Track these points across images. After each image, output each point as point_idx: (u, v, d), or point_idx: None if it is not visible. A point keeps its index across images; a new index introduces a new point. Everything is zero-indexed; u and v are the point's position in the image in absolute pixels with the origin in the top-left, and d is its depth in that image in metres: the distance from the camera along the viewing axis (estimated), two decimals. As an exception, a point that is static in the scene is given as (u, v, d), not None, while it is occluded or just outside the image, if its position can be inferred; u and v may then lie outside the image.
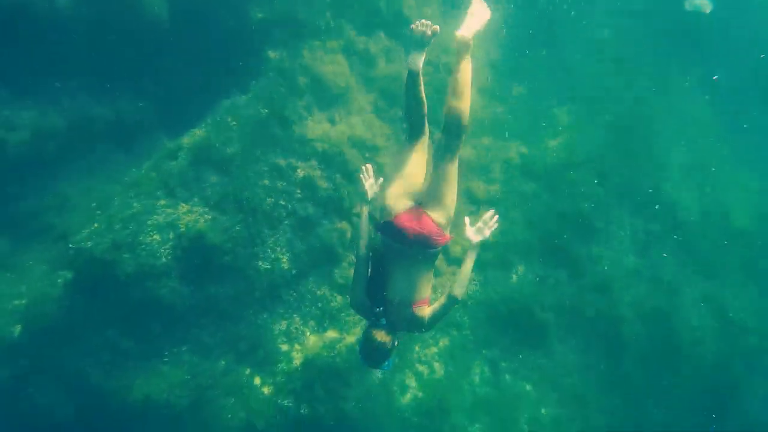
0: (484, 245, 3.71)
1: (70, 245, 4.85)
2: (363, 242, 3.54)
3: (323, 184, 5.47)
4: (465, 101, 3.50)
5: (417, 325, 3.50)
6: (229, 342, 5.35)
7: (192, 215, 5.05)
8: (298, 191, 5.37)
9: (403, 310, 3.46)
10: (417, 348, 5.73)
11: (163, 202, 5.10)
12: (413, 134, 3.61)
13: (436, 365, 5.78)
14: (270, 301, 5.38)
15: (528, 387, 6.13)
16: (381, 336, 3.37)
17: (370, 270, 3.56)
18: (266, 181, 5.27)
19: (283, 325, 5.42)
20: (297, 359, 5.34)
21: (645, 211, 6.98)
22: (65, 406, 5.06)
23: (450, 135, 3.51)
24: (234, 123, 5.46)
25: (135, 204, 5.04)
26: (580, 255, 6.37)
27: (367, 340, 3.41)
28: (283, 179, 5.36)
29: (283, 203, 5.26)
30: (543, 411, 6.14)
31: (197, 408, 5.29)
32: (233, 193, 5.10)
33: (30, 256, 5.26)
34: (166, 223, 4.97)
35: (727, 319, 6.79)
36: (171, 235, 4.97)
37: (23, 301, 5.03)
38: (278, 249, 5.27)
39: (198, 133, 5.41)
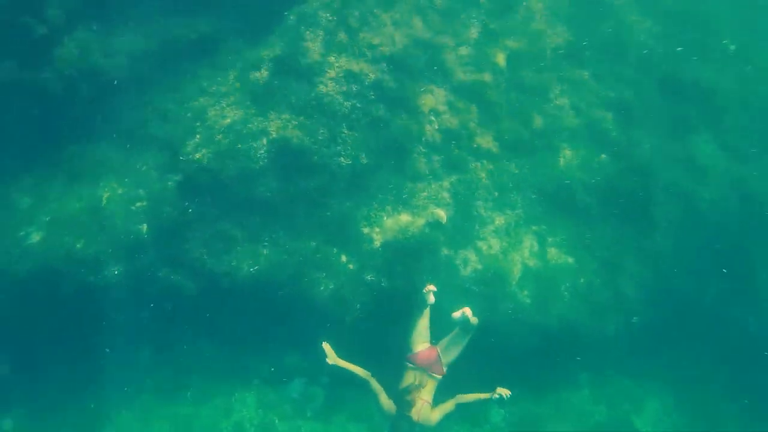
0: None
1: (181, 158, 6.06)
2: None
3: (392, 85, 6.46)
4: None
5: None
6: (318, 227, 6.61)
7: (280, 122, 6.13)
8: (372, 94, 6.36)
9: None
10: (477, 227, 6.90)
11: (253, 110, 6.18)
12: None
13: (493, 241, 6.98)
14: (352, 191, 6.55)
15: (570, 259, 7.29)
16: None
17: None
18: (344, 87, 6.26)
19: (364, 210, 6.63)
20: (377, 240, 6.58)
21: (684, 96, 7.82)
22: (188, 286, 6.49)
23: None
24: (308, 32, 6.37)
25: (229, 113, 6.16)
26: (621, 139, 7.37)
27: None
28: (357, 83, 6.34)
29: (359, 105, 6.27)
30: (581, 280, 7.34)
31: (295, 281, 6.67)
32: (315, 98, 6.11)
33: (142, 164, 6.41)
34: (259, 131, 6.10)
35: (751, 202, 7.78)
36: (264, 141, 6.12)
37: (144, 203, 6.27)
38: (357, 146, 6.36)
39: (276, 43, 6.35)
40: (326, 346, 6.12)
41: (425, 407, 6.08)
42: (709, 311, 7.95)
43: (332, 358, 6.12)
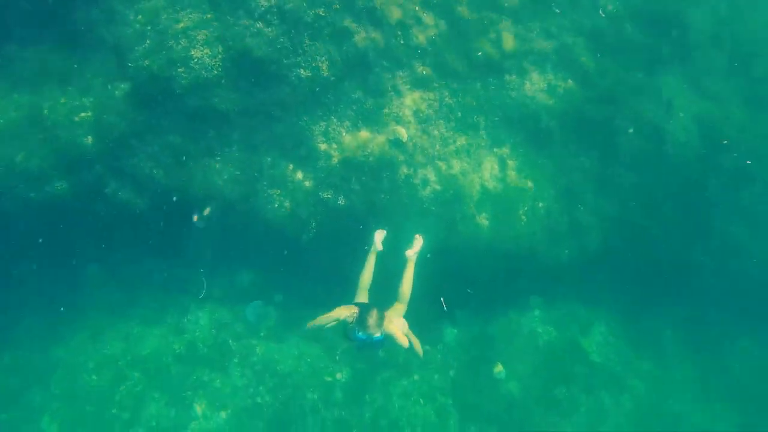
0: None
1: (130, 64, 5.76)
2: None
3: (359, -5, 6.24)
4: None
5: None
6: (274, 141, 6.49)
7: (238, 28, 5.88)
8: (336, 4, 6.14)
9: None
10: (437, 147, 6.91)
11: (209, 15, 5.88)
12: None
13: (454, 162, 7.01)
14: (311, 104, 6.39)
15: (530, 183, 7.40)
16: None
17: None
18: (307, -7, 6.02)
19: (322, 126, 6.51)
20: (335, 157, 6.51)
21: (657, 30, 7.82)
22: (138, 202, 6.34)
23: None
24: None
25: (183, 18, 5.84)
26: (590, 68, 7.39)
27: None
28: (324, -10, 6.09)
29: (323, 14, 6.06)
30: (540, 204, 7.50)
31: (248, 198, 6.60)
32: (277, 5, 5.87)
33: (88, 70, 6.07)
34: (215, 38, 5.83)
35: (711, 139, 8.00)
36: (220, 49, 5.86)
37: (89, 114, 5.98)
38: (318, 58, 6.18)
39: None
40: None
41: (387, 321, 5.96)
42: (662, 244, 8.29)
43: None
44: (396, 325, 5.96)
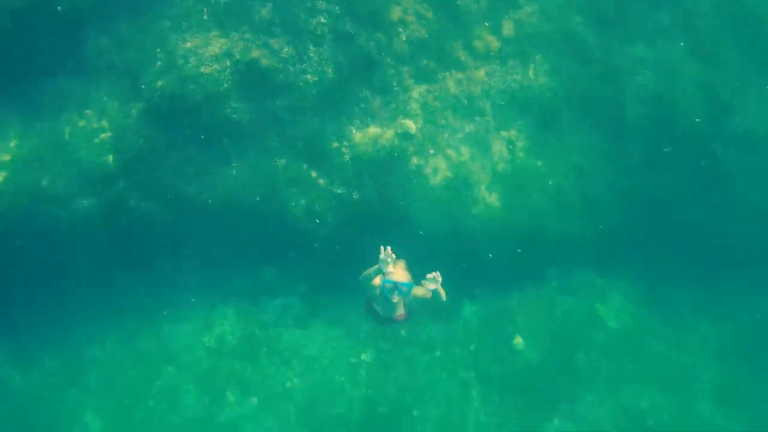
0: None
1: (143, 86, 6.10)
2: None
3: (359, -3, 6.46)
4: None
5: None
6: (287, 145, 6.83)
7: (243, 42, 6.16)
8: (337, 8, 6.38)
9: None
10: (446, 135, 7.20)
11: (215, 32, 6.19)
12: None
13: (463, 148, 7.29)
14: (320, 107, 6.69)
15: (539, 163, 7.66)
16: None
17: None
18: (308, 3, 6.26)
19: (333, 126, 6.82)
20: (346, 154, 6.84)
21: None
22: (160, 212, 6.76)
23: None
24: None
25: (190, 38, 6.16)
26: (592, 44, 7.56)
27: None
28: (323, -2, 6.34)
29: (325, 21, 6.31)
30: (550, 182, 7.73)
31: (267, 200, 6.98)
32: (280, 17, 6.13)
33: (103, 94, 6.40)
34: (222, 53, 6.13)
35: (719, 105, 8.15)
36: (228, 63, 6.17)
37: (108, 134, 6.34)
38: (323, 62, 6.46)
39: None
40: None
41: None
42: (674, 212, 8.54)
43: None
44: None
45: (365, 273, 6.08)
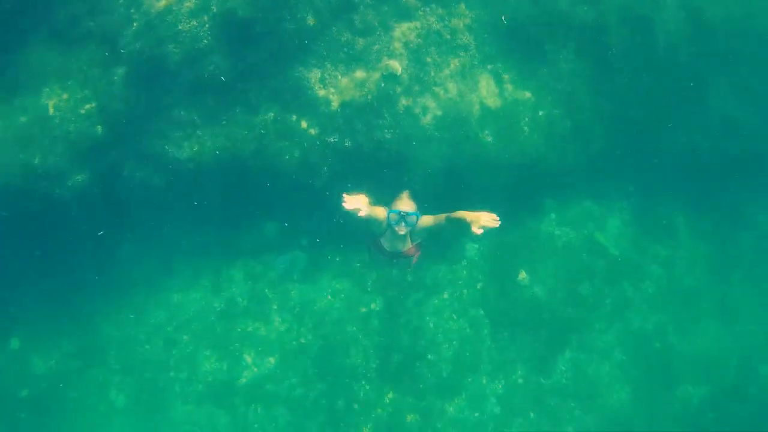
0: None
1: (122, 50, 5.90)
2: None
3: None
4: None
5: None
6: (273, 97, 6.68)
7: (220, -8, 5.99)
8: (310, -50, 6.19)
9: None
10: (432, 72, 7.06)
11: (188, -15, 6.00)
12: None
13: (450, 85, 7.16)
14: (302, 54, 6.51)
15: (527, 94, 7.54)
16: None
17: None
18: (280, -54, 6.07)
19: (317, 73, 6.66)
20: (335, 101, 6.71)
21: None
22: (156, 178, 6.63)
23: None
24: None
25: (164, -5, 5.96)
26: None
27: None
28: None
29: (301, -37, 6.12)
30: (540, 113, 7.62)
31: (259, 154, 6.86)
32: (253, -37, 5.94)
33: (83, 62, 6.23)
34: (198, 8, 5.94)
35: (701, 23, 7.99)
36: (206, 18, 6.00)
37: (93, 104, 6.17)
38: (302, 8, 6.29)
39: None
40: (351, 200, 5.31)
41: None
42: (663, 134, 8.48)
43: (365, 208, 5.30)
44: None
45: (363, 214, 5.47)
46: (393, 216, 5.86)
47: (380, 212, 6.01)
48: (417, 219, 5.90)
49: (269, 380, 8.14)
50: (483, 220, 5.29)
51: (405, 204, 6.27)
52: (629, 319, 8.94)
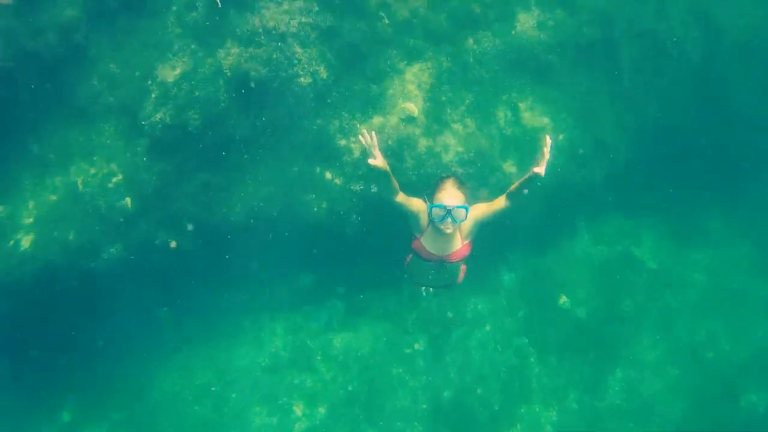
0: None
1: (143, 122, 5.78)
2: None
3: (336, -9, 6.12)
4: None
5: None
6: (296, 151, 6.50)
7: (231, 58, 5.84)
8: (315, 5, 6.02)
9: None
10: (448, 110, 6.80)
11: (201, 53, 5.85)
12: None
13: (468, 121, 6.91)
14: (319, 107, 6.37)
15: (545, 119, 7.24)
16: None
17: None
18: (285, 6, 5.91)
19: (336, 124, 6.48)
20: (356, 149, 6.49)
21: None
22: (187, 244, 6.45)
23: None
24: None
25: (178, 63, 5.82)
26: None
27: None
28: (300, -1, 6.00)
29: (306, 20, 5.95)
30: (560, 137, 7.31)
31: (287, 209, 6.67)
32: (261, 25, 5.79)
33: (106, 137, 6.13)
34: (212, 73, 5.81)
35: (710, 26, 7.69)
36: (221, 82, 5.85)
37: (120, 177, 6.05)
38: (313, 62, 6.11)
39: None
40: (367, 137, 4.51)
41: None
42: (687, 138, 8.11)
43: (377, 157, 4.49)
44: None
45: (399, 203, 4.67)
46: (436, 211, 4.55)
47: (417, 204, 4.85)
48: (467, 213, 4.63)
49: (321, 430, 7.77)
50: (542, 158, 4.58)
51: (450, 195, 4.72)
52: (677, 332, 8.45)
